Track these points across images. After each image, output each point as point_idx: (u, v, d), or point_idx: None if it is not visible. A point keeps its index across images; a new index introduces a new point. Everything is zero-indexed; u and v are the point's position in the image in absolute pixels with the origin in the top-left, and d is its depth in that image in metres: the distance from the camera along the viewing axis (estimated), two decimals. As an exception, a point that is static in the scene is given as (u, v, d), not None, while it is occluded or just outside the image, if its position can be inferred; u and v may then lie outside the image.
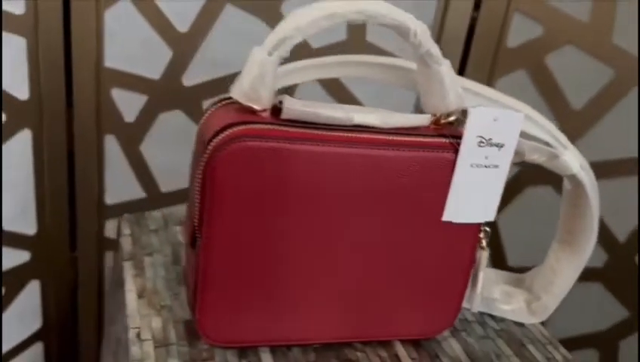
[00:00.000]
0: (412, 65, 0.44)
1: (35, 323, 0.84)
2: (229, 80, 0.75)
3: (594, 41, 0.67)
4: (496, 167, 0.42)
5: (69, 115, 0.77)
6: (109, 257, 0.87)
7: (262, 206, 0.38)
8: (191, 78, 0.77)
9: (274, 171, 0.37)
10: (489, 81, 0.74)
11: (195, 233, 0.40)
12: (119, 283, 0.51)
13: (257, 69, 0.38)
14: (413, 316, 0.45)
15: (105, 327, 0.61)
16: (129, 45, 0.75)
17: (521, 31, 0.71)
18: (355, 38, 0.76)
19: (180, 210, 0.65)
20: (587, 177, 0.46)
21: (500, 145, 0.41)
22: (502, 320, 0.51)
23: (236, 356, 0.42)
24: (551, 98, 0.72)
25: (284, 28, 0.38)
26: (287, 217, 0.39)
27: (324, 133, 0.38)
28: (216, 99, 0.42)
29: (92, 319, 0.89)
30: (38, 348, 0.86)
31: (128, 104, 0.78)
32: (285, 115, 0.38)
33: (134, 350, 0.41)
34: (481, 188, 0.42)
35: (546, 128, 0.45)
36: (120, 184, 0.83)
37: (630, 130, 0.68)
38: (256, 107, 0.39)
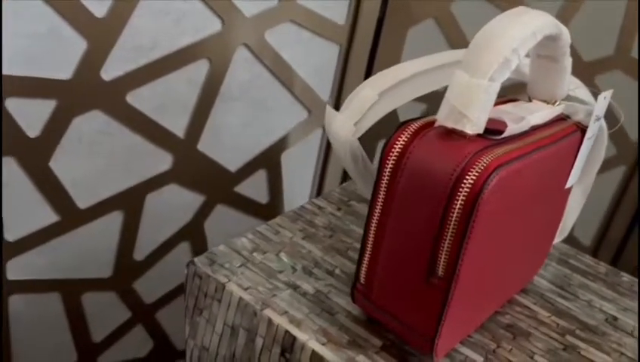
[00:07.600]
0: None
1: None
2: (157, 65, 0.66)
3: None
4: (594, 135, 0.50)
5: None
6: (13, 302, 0.71)
7: (499, 226, 0.40)
8: (112, 70, 0.64)
9: (514, 190, 0.40)
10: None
11: (430, 266, 0.40)
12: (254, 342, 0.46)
13: (485, 96, 0.38)
14: (532, 271, 0.53)
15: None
16: (25, 42, 0.58)
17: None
18: (286, 1, 0.72)
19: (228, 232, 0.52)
20: (605, 122, 0.58)
21: (599, 118, 0.50)
22: (538, 246, 0.63)
23: (448, 360, 0.45)
24: (455, 42, 0.82)
25: (500, 52, 0.38)
26: (513, 227, 0.42)
27: (524, 143, 0.41)
28: (395, 131, 0.40)
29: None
30: None
31: (30, 114, 0.62)
32: (506, 133, 0.40)
33: (386, 396, 0.40)
34: (584, 155, 0.50)
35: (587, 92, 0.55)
36: (24, 213, 0.66)
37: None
38: (469, 131, 0.39)
